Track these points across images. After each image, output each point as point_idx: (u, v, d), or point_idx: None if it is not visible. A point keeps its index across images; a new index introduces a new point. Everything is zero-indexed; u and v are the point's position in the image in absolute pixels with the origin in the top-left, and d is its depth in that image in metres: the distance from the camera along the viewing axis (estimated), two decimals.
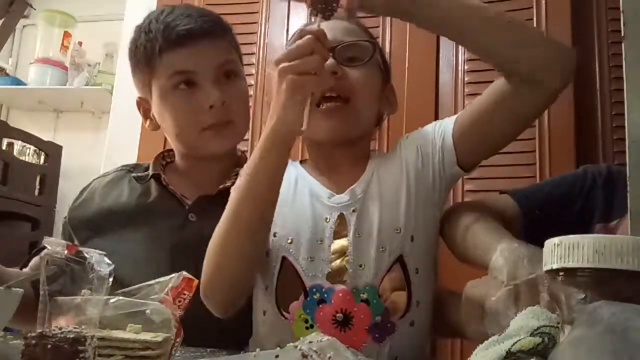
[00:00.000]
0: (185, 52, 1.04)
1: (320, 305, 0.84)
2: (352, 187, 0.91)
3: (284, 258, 0.88)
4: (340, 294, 0.84)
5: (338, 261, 0.87)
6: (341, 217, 0.88)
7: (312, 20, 0.80)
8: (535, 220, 0.96)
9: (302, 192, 0.92)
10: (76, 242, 1.11)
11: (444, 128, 0.91)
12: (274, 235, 0.89)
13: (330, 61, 0.85)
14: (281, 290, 0.89)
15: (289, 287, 0.88)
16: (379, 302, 0.84)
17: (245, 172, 0.83)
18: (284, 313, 0.87)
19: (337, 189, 0.91)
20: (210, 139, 1.08)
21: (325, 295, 0.85)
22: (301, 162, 1.02)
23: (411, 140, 0.95)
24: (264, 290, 0.90)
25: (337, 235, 0.88)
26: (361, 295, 0.85)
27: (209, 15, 1.10)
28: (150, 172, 1.15)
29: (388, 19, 1.87)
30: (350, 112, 0.91)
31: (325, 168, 0.96)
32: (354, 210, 0.88)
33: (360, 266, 0.85)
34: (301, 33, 0.78)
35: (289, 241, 0.88)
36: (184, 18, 1.05)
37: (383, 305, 0.84)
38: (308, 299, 0.85)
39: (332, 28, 0.91)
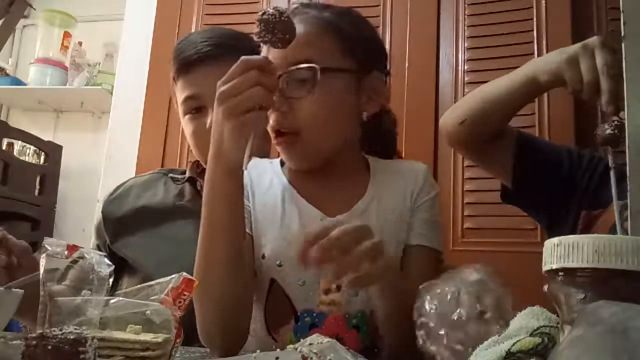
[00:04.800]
0: (189, 79, 1.09)
1: (312, 330, 0.82)
2: (346, 213, 0.87)
3: (273, 280, 0.86)
4: (333, 320, 0.83)
5: (332, 287, 0.85)
6: None
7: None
8: (525, 153, 1.05)
9: (291, 212, 0.87)
10: (105, 235, 1.15)
11: (413, 232, 0.89)
12: (263, 257, 0.86)
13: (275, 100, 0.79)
14: (270, 311, 0.87)
15: (278, 309, 0.86)
16: (368, 328, 0.83)
17: (204, 205, 0.78)
18: (273, 335, 0.86)
19: (330, 210, 0.87)
20: None
21: (317, 320, 0.83)
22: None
23: (427, 200, 0.91)
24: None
25: None
26: (353, 321, 0.84)
27: (215, 38, 1.11)
28: (187, 175, 1.19)
29: (388, 16, 1.88)
30: (304, 145, 0.85)
31: (318, 180, 0.91)
32: None
33: (354, 294, 0.84)
34: (244, 65, 0.71)
35: (278, 264, 0.85)
36: (189, 45, 1.10)
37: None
38: (299, 323, 0.84)
39: (280, 55, 0.81)
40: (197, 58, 1.08)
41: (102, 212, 1.18)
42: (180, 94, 1.12)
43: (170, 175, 1.22)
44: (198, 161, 1.23)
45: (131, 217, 1.15)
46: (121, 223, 1.15)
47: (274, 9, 0.73)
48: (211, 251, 0.78)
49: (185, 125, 1.14)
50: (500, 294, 0.62)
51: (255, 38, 0.74)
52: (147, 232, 1.12)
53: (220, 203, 0.77)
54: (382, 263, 0.68)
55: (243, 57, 0.72)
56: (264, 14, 0.72)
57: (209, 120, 1.07)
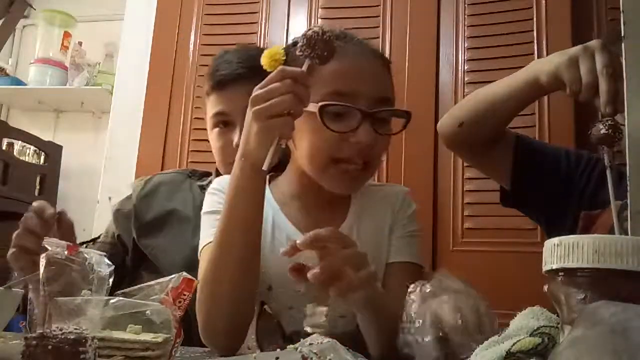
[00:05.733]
0: (221, 96, 1.17)
1: None
2: None
3: (262, 303, 0.88)
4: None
5: (318, 310, 0.86)
6: None
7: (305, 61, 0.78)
8: (524, 156, 1.07)
9: (280, 237, 0.91)
10: (133, 230, 1.19)
11: (394, 253, 0.93)
12: None
13: (369, 132, 0.85)
14: (261, 331, 0.88)
15: (269, 330, 0.88)
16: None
17: (226, 202, 0.82)
18: None
19: None
20: None
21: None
22: (272, 179, 0.98)
23: (403, 218, 0.96)
24: None
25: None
26: None
27: (250, 60, 1.16)
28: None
29: (388, 16, 1.88)
30: (368, 174, 0.92)
31: (304, 204, 0.94)
32: None
33: (341, 316, 0.86)
34: (281, 73, 0.75)
35: (267, 288, 0.88)
36: (225, 64, 1.19)
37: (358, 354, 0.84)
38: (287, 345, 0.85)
39: (369, 89, 0.88)
40: (231, 77, 1.15)
41: (135, 207, 1.21)
42: (211, 108, 1.19)
43: (198, 183, 1.26)
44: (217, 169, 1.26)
45: (161, 219, 1.20)
46: (151, 224, 1.19)
47: (318, 27, 0.77)
48: (226, 248, 0.80)
49: (213, 139, 1.20)
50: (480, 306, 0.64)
51: (297, 51, 0.78)
52: (175, 236, 1.17)
53: (242, 200, 0.80)
54: (366, 272, 0.71)
55: (281, 66, 0.77)
56: (308, 30, 0.77)
57: (236, 138, 1.13)
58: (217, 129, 1.18)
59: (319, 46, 0.76)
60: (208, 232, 0.88)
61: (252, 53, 1.20)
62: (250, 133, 0.78)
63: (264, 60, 0.82)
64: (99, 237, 1.25)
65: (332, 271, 0.69)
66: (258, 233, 0.82)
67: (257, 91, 0.76)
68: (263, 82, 0.76)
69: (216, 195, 0.93)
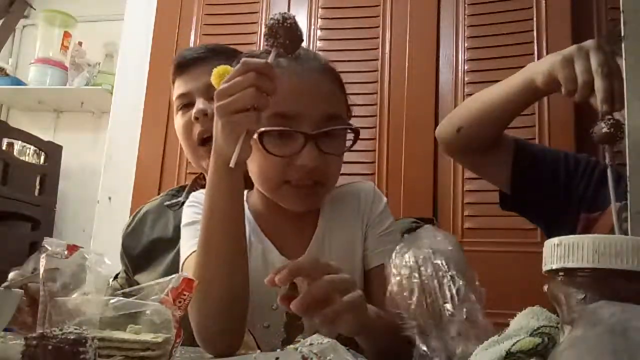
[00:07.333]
0: (182, 78, 1.18)
1: None
2: (303, 255, 0.86)
3: None
4: None
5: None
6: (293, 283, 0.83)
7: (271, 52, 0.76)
8: (524, 161, 1.07)
9: (255, 254, 0.89)
10: (128, 266, 1.19)
11: (371, 257, 0.91)
12: None
13: (312, 155, 0.83)
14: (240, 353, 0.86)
15: (246, 351, 0.85)
16: None
17: (206, 201, 0.80)
18: None
19: (288, 250, 0.89)
20: (205, 155, 1.11)
21: None
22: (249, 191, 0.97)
23: (375, 216, 0.93)
24: None
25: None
26: None
27: (211, 46, 1.21)
28: (182, 199, 1.20)
29: (388, 16, 1.88)
30: (322, 194, 0.90)
31: (277, 215, 0.92)
32: None
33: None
34: (244, 66, 0.73)
35: None
36: (187, 50, 1.23)
37: None
38: None
39: (314, 100, 0.85)
40: (190, 59, 1.16)
41: (122, 246, 1.21)
42: (175, 92, 1.19)
43: (166, 203, 1.24)
44: (202, 176, 1.24)
45: (146, 251, 1.19)
46: (138, 258, 1.19)
47: (279, 14, 0.75)
48: (211, 245, 0.78)
49: (176, 121, 1.20)
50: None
51: (265, 43, 0.76)
52: (160, 266, 1.16)
53: (220, 196, 0.79)
54: (351, 297, 0.68)
55: (244, 59, 0.74)
56: (270, 19, 0.75)
57: (193, 112, 1.13)
58: (180, 112, 1.18)
59: (280, 34, 0.74)
60: (190, 242, 0.86)
61: (217, 44, 1.24)
62: (217, 129, 0.76)
63: (214, 80, 0.80)
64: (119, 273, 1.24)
65: (315, 299, 0.67)
66: (241, 227, 0.80)
67: (221, 85, 0.74)
68: (228, 76, 0.74)
69: (194, 207, 0.91)
